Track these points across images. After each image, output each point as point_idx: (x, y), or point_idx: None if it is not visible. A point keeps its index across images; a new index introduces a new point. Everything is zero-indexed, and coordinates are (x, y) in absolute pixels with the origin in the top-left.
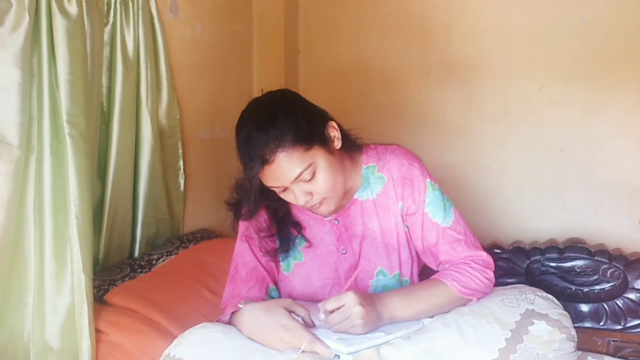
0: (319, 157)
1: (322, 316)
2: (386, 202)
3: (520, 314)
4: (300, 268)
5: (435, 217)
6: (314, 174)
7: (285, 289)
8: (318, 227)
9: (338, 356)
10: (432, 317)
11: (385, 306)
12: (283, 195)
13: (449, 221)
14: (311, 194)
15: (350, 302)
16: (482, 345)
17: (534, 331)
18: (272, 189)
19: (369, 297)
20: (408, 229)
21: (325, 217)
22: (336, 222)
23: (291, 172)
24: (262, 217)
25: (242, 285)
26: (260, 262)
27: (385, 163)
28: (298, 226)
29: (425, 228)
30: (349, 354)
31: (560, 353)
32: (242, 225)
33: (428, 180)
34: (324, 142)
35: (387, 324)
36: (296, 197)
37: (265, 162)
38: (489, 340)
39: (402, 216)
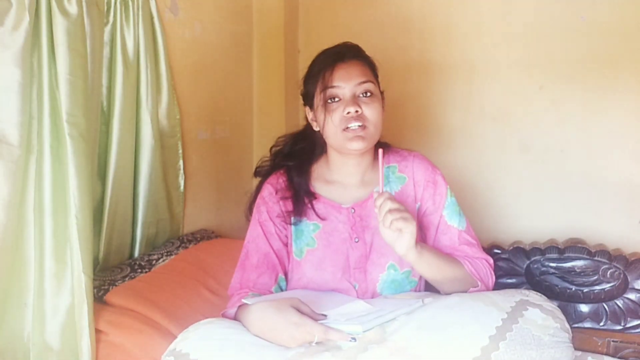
0: (376, 92)
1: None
2: (404, 201)
3: (515, 302)
4: (313, 254)
5: (451, 220)
6: (370, 98)
7: (296, 275)
8: (334, 214)
9: (354, 338)
10: (442, 288)
11: (420, 241)
12: (332, 109)
13: (463, 225)
14: (360, 112)
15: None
16: (479, 322)
17: (528, 315)
18: (329, 94)
19: None
20: (421, 228)
21: (342, 204)
22: (353, 210)
23: (360, 75)
24: (281, 178)
25: (253, 271)
26: (273, 249)
27: (409, 165)
28: (311, 196)
29: (440, 230)
30: (364, 331)
31: (556, 339)
32: (257, 210)
33: (447, 187)
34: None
35: (416, 253)
36: (346, 104)
37: (341, 58)
38: (486, 318)
39: (417, 216)
